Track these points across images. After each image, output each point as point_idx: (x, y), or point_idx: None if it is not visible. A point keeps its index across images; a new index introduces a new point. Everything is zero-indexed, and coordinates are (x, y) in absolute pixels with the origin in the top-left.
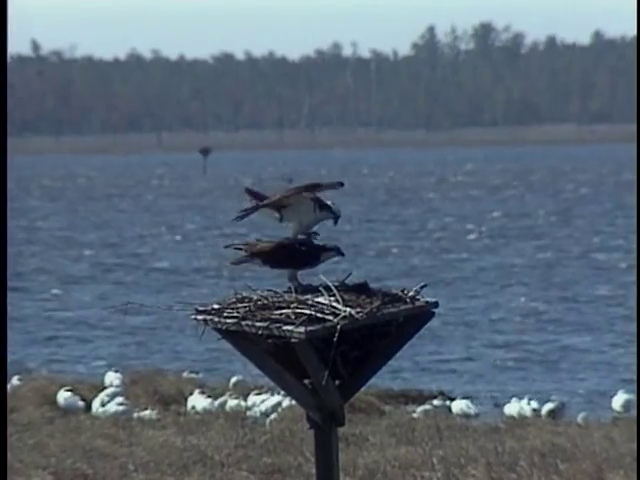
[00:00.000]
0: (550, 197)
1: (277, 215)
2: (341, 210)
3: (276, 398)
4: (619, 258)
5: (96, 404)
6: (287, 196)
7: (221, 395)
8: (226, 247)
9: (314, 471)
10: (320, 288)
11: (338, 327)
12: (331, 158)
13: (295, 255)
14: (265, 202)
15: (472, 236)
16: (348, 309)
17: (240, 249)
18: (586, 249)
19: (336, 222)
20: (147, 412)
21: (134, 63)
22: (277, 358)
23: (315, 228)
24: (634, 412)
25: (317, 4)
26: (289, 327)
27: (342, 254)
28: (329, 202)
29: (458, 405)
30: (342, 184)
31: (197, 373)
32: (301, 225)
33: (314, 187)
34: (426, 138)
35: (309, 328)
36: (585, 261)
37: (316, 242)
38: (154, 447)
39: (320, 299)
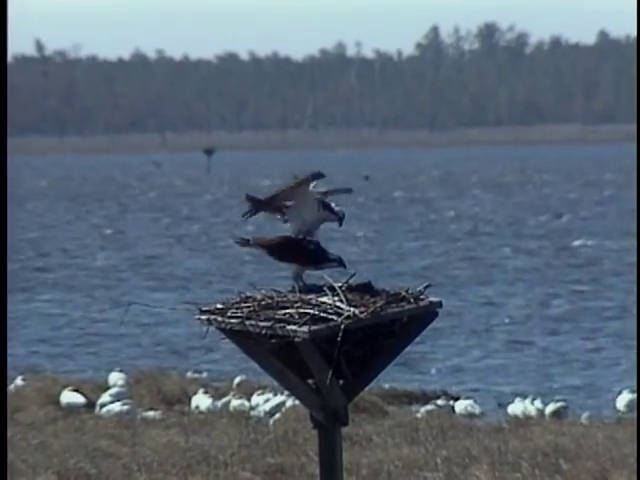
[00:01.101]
0: (507, 199)
1: (280, 216)
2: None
3: (280, 398)
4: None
5: (100, 404)
6: (292, 188)
7: (225, 395)
8: (235, 242)
9: (318, 471)
10: (324, 288)
11: (342, 327)
12: (334, 158)
13: (302, 251)
14: (270, 199)
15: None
16: (352, 309)
17: (247, 240)
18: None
19: (340, 224)
20: (151, 412)
21: (138, 63)
22: (281, 358)
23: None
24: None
25: (321, 4)
26: (293, 327)
27: (344, 266)
28: (333, 204)
29: (461, 405)
30: (350, 190)
31: (201, 373)
32: (305, 223)
33: (317, 176)
34: (430, 138)
35: (313, 328)
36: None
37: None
38: (158, 447)
39: (324, 299)
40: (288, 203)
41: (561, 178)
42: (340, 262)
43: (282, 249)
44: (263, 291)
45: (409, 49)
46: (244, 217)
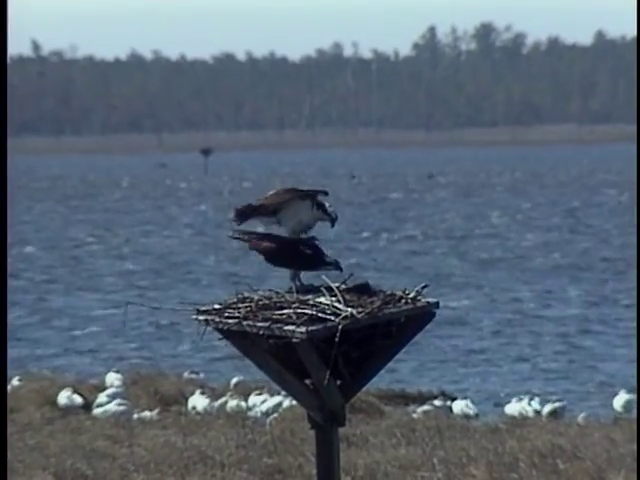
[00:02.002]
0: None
1: (274, 219)
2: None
3: (277, 398)
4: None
5: (96, 405)
6: (279, 197)
7: (222, 395)
8: (231, 237)
9: (315, 471)
10: (322, 288)
11: (339, 327)
12: (331, 158)
13: (298, 256)
14: (259, 206)
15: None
16: (349, 309)
17: (245, 240)
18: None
19: (333, 224)
20: (147, 412)
21: (135, 63)
22: (278, 358)
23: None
24: (635, 412)
25: (318, 4)
26: (290, 327)
27: (340, 269)
28: (327, 204)
29: (459, 405)
30: (326, 193)
31: (198, 373)
32: (301, 224)
33: (307, 194)
34: (426, 138)
35: (310, 328)
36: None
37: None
38: (154, 447)
39: (321, 299)
40: (282, 204)
41: (527, 178)
42: (336, 266)
43: (278, 255)
44: (260, 292)
45: (406, 49)
46: (237, 225)
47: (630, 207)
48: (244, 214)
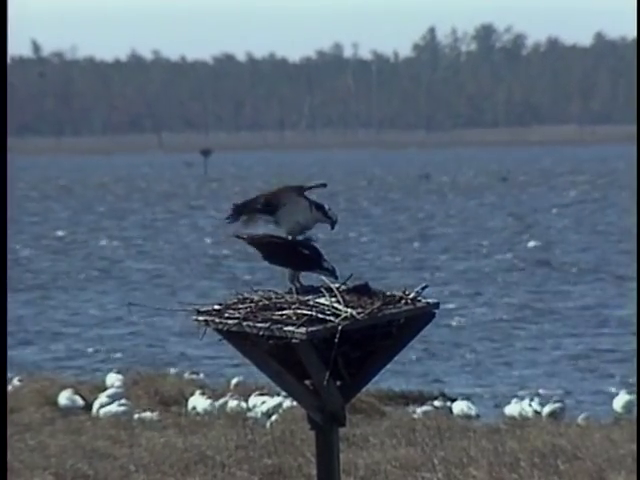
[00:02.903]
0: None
1: (272, 218)
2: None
3: (277, 399)
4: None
5: (97, 405)
6: (277, 194)
7: (222, 396)
8: (232, 237)
9: (315, 472)
10: (321, 289)
11: (339, 328)
12: (330, 159)
13: (295, 256)
14: (256, 202)
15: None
16: (349, 310)
17: (244, 238)
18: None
19: (333, 226)
20: (148, 413)
21: (135, 64)
22: (278, 359)
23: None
24: (635, 412)
25: (318, 5)
26: (290, 328)
27: (336, 277)
28: (327, 206)
29: (459, 406)
30: (325, 185)
31: (198, 374)
32: (299, 225)
33: (300, 188)
34: (427, 139)
35: (310, 329)
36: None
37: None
38: (155, 448)
39: (321, 300)
40: (281, 203)
41: (493, 181)
42: (333, 273)
43: (276, 253)
44: (260, 292)
45: (406, 50)
46: (227, 221)
47: (598, 209)
48: (238, 210)
